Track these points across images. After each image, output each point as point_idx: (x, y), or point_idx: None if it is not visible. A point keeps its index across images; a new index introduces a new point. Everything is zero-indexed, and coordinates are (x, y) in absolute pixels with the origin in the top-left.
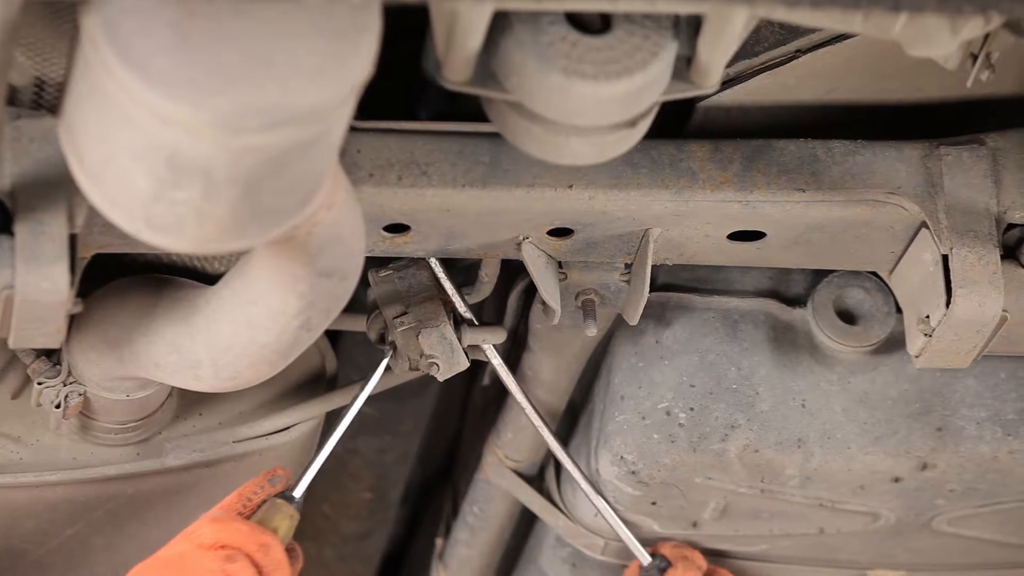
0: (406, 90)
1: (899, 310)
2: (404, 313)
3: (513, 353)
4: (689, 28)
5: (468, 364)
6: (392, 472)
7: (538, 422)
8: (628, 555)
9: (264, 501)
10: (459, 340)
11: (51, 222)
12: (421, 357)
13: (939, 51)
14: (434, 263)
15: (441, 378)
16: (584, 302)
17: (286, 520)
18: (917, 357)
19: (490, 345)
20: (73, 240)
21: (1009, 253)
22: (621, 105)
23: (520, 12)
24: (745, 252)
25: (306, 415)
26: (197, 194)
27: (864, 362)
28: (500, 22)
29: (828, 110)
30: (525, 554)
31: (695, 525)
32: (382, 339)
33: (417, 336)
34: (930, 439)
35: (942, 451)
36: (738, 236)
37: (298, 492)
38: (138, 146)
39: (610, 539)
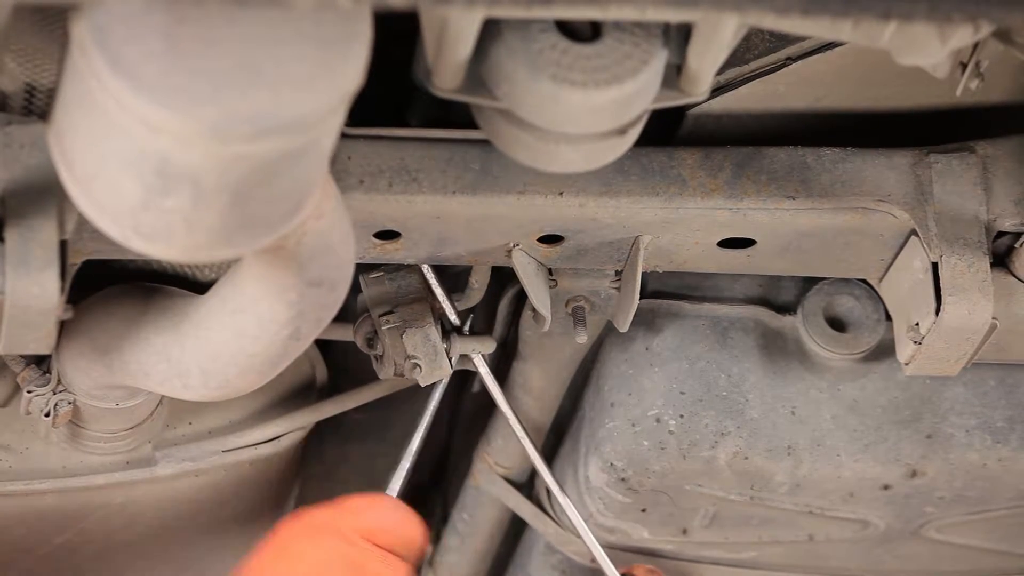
0: (397, 97)
1: (889, 318)
2: (391, 312)
3: (503, 360)
4: (679, 36)
5: (451, 371)
6: (382, 479)
7: (522, 435)
8: (618, 562)
9: None
10: (447, 347)
11: (41, 228)
12: (406, 360)
13: (928, 59)
14: (425, 268)
15: (423, 382)
16: (574, 309)
17: None
18: (907, 365)
19: (479, 355)
20: (63, 246)
21: (999, 261)
22: (611, 113)
23: (510, 20)
24: (735, 259)
25: (296, 424)
26: (186, 202)
27: (854, 369)
28: (490, 30)
29: (818, 118)
30: (515, 561)
31: (685, 532)
32: (369, 344)
33: (401, 336)
34: (920, 446)
35: (932, 458)
36: (728, 243)
37: None
38: (127, 154)
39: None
